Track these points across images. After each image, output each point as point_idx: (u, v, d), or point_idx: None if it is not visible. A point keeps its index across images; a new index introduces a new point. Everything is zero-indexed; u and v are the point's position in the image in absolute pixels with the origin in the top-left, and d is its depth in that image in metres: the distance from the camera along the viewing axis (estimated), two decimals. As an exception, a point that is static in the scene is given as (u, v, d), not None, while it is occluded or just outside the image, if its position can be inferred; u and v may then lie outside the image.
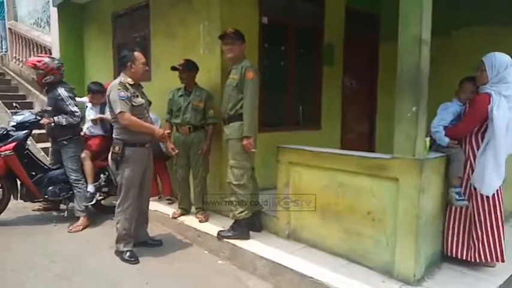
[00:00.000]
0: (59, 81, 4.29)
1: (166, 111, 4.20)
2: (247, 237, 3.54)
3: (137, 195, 3.50)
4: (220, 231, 3.63)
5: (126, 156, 3.35)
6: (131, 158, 3.37)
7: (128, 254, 3.46)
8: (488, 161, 2.79)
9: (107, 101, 3.40)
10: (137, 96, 3.40)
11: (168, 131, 3.80)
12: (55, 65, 4.26)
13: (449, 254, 3.00)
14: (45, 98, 5.40)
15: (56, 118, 4.15)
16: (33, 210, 4.87)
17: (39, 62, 4.26)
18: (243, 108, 3.40)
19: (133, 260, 3.43)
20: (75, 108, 4.20)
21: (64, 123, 4.15)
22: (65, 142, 4.27)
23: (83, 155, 4.40)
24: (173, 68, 4.07)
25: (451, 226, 3.00)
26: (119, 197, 3.47)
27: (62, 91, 4.21)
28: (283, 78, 5.02)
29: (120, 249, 3.48)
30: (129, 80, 3.38)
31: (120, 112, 3.25)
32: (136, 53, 3.45)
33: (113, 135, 3.45)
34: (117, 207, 3.49)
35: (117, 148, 3.35)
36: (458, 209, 2.96)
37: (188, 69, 4.03)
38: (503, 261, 2.89)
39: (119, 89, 3.27)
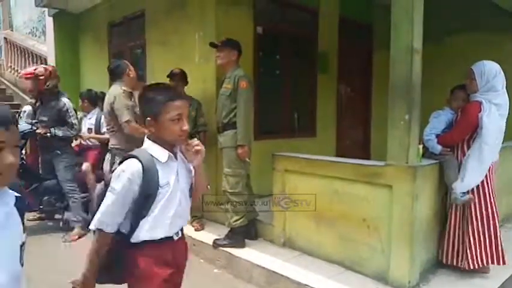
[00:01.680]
0: (58, 89, 4.29)
1: None
2: (242, 246, 3.54)
3: None
4: (216, 239, 3.63)
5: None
6: None
7: None
8: (472, 164, 2.82)
9: (109, 108, 3.37)
10: (136, 105, 3.42)
11: None
12: (52, 69, 4.28)
13: (444, 262, 3.01)
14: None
15: (53, 129, 4.13)
16: (28, 220, 4.84)
17: (35, 70, 4.27)
18: (237, 117, 3.43)
19: None
20: (76, 121, 4.22)
21: (61, 135, 4.14)
22: (58, 152, 4.24)
23: (84, 167, 4.39)
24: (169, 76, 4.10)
25: (446, 233, 3.01)
26: None
27: (66, 101, 4.20)
28: (278, 86, 5.06)
29: None
30: (127, 89, 3.40)
31: (127, 121, 3.25)
32: (126, 61, 3.55)
33: (111, 145, 3.42)
34: None
35: (116, 158, 3.33)
36: (458, 216, 2.96)
37: (184, 78, 4.09)
38: (504, 263, 2.91)
39: (125, 97, 3.28)
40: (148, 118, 1.57)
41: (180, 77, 4.07)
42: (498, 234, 2.92)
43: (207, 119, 4.13)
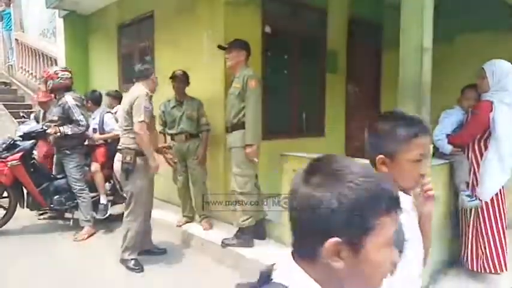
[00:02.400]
0: (64, 88, 4.31)
1: (159, 123, 4.20)
2: (251, 245, 3.55)
3: (151, 204, 3.56)
4: (224, 239, 3.64)
5: (137, 166, 3.34)
6: (142, 167, 3.36)
7: (133, 262, 3.46)
8: (492, 167, 2.79)
9: (128, 107, 3.34)
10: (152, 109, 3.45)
11: (165, 145, 3.94)
12: (52, 70, 4.34)
13: (470, 268, 2.95)
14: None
15: (61, 128, 4.17)
16: (39, 219, 4.91)
17: (44, 72, 4.43)
18: (246, 116, 3.44)
19: (138, 268, 3.43)
20: (80, 117, 4.20)
21: (69, 133, 4.17)
22: (67, 152, 4.27)
23: (93, 168, 4.44)
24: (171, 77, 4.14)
25: (463, 237, 2.97)
26: (128, 206, 3.47)
27: (69, 99, 4.21)
28: (286, 85, 5.04)
29: (125, 258, 3.49)
30: (149, 92, 3.42)
31: (142, 121, 3.25)
32: (152, 66, 3.58)
33: (122, 144, 3.44)
34: (125, 217, 3.49)
35: (128, 158, 3.33)
36: (471, 219, 2.93)
37: (185, 79, 4.12)
38: (506, 269, 2.88)
39: (146, 99, 3.31)
40: (381, 156, 1.20)
41: (181, 79, 4.08)
42: (505, 238, 2.91)
43: (209, 119, 4.14)
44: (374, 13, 6.03)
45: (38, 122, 5.01)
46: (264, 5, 4.48)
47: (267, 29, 4.55)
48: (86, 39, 7.08)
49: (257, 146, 3.47)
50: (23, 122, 4.71)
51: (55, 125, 4.22)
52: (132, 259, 3.47)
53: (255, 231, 3.65)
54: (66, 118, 4.21)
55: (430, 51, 2.66)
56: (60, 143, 4.30)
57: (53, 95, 4.49)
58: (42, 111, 5.12)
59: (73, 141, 4.28)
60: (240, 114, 3.49)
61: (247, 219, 3.53)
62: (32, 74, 9.58)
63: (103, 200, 4.52)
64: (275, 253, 3.40)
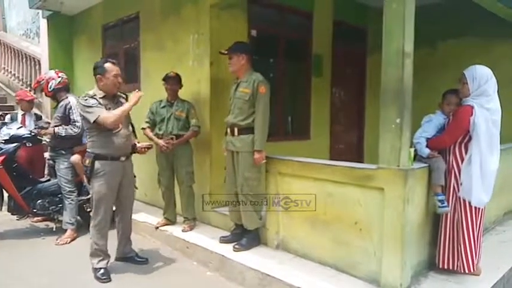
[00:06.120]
0: (66, 87, 4.37)
1: (144, 121, 4.14)
2: (257, 244, 3.61)
3: (111, 210, 3.41)
4: (235, 245, 3.56)
5: (95, 170, 3.22)
6: (101, 172, 3.23)
7: (101, 271, 3.30)
8: (474, 172, 2.84)
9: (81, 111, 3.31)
10: (109, 108, 3.23)
11: (143, 145, 3.70)
12: (50, 73, 4.44)
13: (440, 266, 3.03)
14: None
15: (56, 129, 4.17)
16: (32, 221, 4.86)
17: (39, 78, 4.56)
18: (255, 122, 3.42)
19: (105, 278, 3.26)
20: (78, 118, 4.16)
21: (63, 135, 4.15)
22: (63, 152, 4.26)
23: (73, 158, 4.30)
24: (163, 78, 4.11)
25: (441, 238, 3.03)
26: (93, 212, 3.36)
27: (72, 99, 4.26)
28: (272, 89, 5.02)
29: (94, 266, 3.34)
30: (100, 93, 3.25)
31: (98, 117, 3.12)
32: (107, 64, 3.26)
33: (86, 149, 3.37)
34: (91, 222, 3.37)
35: (87, 161, 3.25)
36: (449, 220, 2.99)
37: (178, 81, 4.12)
38: (474, 270, 2.96)
39: (86, 99, 3.18)
40: None
41: (174, 81, 4.08)
42: (480, 242, 3.00)
43: (200, 120, 4.12)
44: (359, 17, 6.12)
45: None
46: (249, 8, 4.50)
47: (253, 33, 4.57)
48: (70, 40, 6.99)
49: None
50: (4, 123, 4.59)
51: (54, 125, 4.23)
52: (100, 268, 3.31)
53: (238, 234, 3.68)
54: (67, 119, 4.21)
55: (411, 56, 2.70)
56: (57, 144, 4.26)
57: (49, 98, 4.55)
58: (21, 113, 5.09)
59: (69, 142, 4.25)
60: (249, 119, 3.45)
61: (260, 218, 3.59)
62: (14, 75, 9.40)
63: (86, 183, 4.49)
64: (260, 255, 3.41)
